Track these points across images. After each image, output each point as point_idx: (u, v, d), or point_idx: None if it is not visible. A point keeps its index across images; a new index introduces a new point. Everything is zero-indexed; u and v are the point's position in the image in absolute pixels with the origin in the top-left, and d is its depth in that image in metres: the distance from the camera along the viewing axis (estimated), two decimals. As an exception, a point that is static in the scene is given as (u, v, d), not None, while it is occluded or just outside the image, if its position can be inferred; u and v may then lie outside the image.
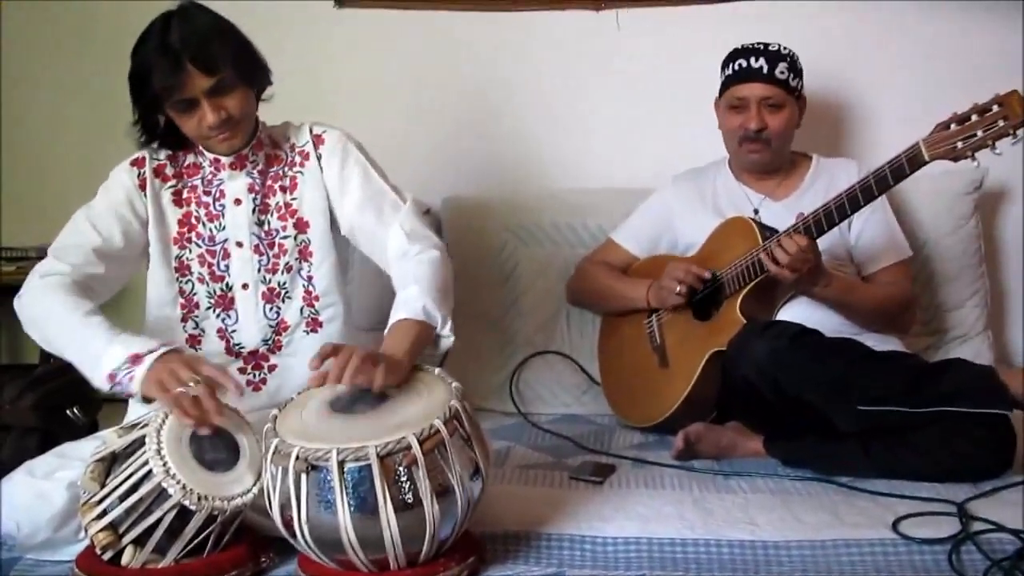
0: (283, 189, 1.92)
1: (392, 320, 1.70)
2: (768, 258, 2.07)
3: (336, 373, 1.54)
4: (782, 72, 2.29)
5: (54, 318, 1.72)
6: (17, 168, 3.01)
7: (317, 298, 1.93)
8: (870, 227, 2.32)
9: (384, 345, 1.65)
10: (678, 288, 2.25)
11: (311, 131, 1.94)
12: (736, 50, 2.35)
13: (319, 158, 1.92)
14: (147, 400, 1.61)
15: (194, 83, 1.74)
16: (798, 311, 2.18)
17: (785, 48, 2.32)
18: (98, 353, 1.64)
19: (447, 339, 1.73)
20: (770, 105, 2.30)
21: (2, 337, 3.07)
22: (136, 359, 1.61)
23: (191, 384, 1.57)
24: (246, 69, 1.81)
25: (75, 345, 1.69)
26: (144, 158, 1.90)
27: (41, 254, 2.72)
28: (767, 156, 2.36)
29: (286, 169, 1.93)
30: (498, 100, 2.90)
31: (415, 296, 1.71)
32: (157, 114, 1.84)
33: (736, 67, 2.33)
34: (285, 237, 1.91)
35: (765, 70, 2.28)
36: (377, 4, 2.90)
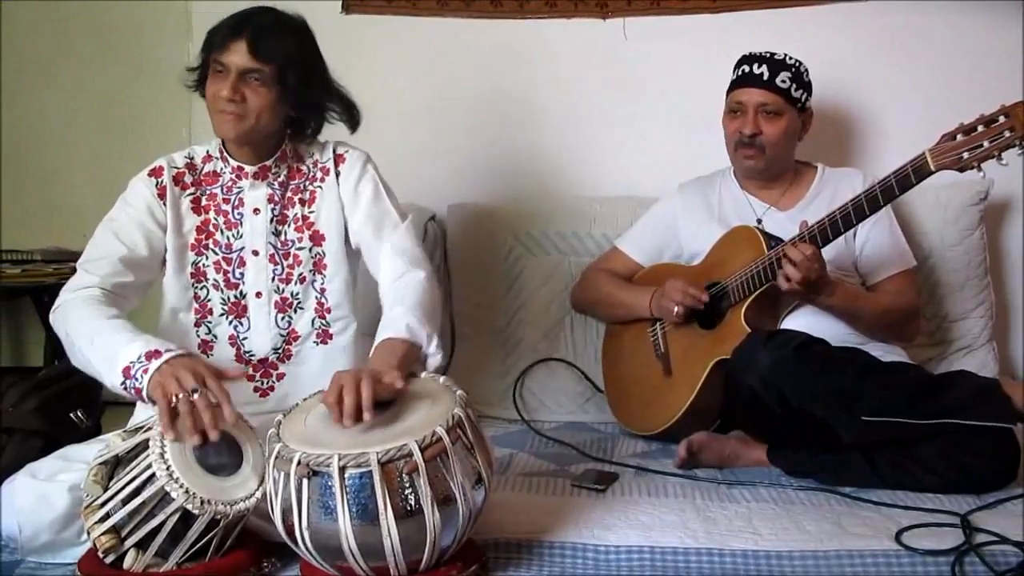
0: (302, 202, 1.96)
1: (377, 340, 1.72)
2: (774, 267, 2.07)
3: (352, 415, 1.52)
4: (783, 81, 2.29)
5: (80, 326, 1.73)
6: (20, 170, 3.02)
7: (329, 310, 1.95)
8: (875, 237, 2.32)
9: (371, 363, 1.65)
10: (676, 309, 2.25)
11: (334, 150, 1.99)
12: (743, 57, 2.36)
13: (338, 175, 1.97)
14: (152, 401, 1.60)
15: (236, 56, 1.81)
16: (802, 320, 2.18)
17: (791, 58, 2.32)
18: (117, 348, 1.65)
19: (434, 357, 1.74)
20: (767, 112, 2.30)
21: (5, 340, 3.08)
22: (152, 355, 1.61)
23: (191, 392, 1.55)
24: (293, 85, 1.85)
25: (95, 345, 1.69)
26: (162, 167, 1.93)
27: (45, 256, 2.77)
28: (761, 163, 2.35)
29: (306, 183, 1.97)
30: (504, 108, 2.90)
31: (399, 316, 1.74)
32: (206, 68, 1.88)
33: (739, 73, 2.34)
34: (300, 248, 1.94)
35: (765, 77, 2.29)
36: (383, 11, 2.91)
